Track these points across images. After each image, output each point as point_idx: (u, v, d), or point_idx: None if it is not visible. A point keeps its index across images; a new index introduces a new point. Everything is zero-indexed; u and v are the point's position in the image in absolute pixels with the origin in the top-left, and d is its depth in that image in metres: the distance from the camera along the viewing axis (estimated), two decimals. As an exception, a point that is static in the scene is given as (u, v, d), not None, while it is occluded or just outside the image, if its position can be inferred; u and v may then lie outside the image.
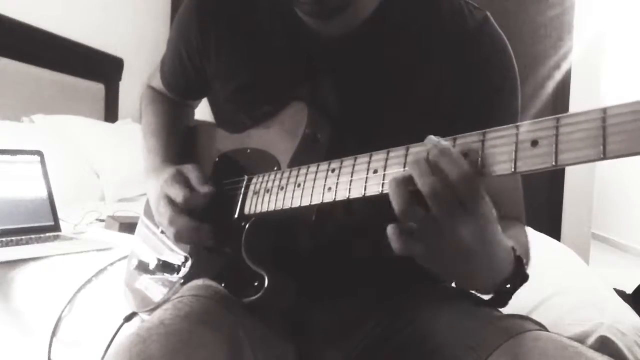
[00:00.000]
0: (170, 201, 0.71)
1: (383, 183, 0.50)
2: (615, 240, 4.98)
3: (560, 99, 2.81)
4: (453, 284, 0.71)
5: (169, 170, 0.75)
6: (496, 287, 0.56)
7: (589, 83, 2.83)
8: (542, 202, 2.91)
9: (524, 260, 0.56)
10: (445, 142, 0.46)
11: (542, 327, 0.57)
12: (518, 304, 0.93)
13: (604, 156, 0.36)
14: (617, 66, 4.40)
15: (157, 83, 0.93)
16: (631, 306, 1.02)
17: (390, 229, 0.47)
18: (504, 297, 0.57)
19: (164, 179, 0.74)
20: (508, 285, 0.56)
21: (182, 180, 0.72)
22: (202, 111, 0.99)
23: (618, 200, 4.88)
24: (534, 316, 0.62)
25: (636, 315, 0.96)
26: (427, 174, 0.45)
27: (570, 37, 2.82)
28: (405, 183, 0.46)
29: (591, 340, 0.84)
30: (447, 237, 0.46)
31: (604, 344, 0.83)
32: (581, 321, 0.89)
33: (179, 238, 0.71)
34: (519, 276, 0.56)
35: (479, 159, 0.44)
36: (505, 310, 0.63)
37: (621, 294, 1.78)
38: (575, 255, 1.46)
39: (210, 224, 0.70)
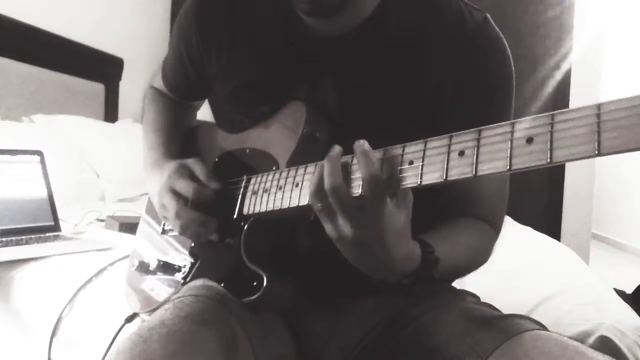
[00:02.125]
0: (176, 195, 0.72)
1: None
2: (615, 240, 4.98)
3: (560, 99, 2.80)
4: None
5: (172, 164, 0.76)
6: (396, 280, 0.58)
7: (589, 83, 2.82)
8: (542, 202, 2.90)
9: (432, 260, 0.58)
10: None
11: (542, 327, 0.57)
12: (518, 304, 0.93)
13: (599, 152, 0.36)
14: (617, 66, 4.39)
15: (159, 83, 0.93)
16: (631, 306, 1.02)
17: None
18: (403, 288, 0.59)
19: (169, 173, 0.74)
20: (406, 280, 0.58)
21: (187, 174, 0.73)
22: (203, 111, 0.99)
23: (618, 200, 4.88)
24: (534, 316, 0.62)
25: (636, 315, 0.96)
26: (334, 171, 0.51)
27: (570, 37, 2.82)
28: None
29: (591, 340, 0.84)
30: (340, 227, 0.52)
31: (604, 344, 0.83)
32: (581, 321, 0.89)
33: (184, 231, 0.72)
34: (422, 275, 0.58)
35: (445, 168, 0.46)
36: (506, 310, 0.63)
37: (621, 294, 1.78)
38: (575, 255, 1.46)
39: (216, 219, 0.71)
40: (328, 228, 0.53)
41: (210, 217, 0.71)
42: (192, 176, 0.73)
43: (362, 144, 0.50)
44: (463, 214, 0.70)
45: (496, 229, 0.72)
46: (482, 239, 0.70)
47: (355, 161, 0.52)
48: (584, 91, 2.80)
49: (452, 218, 0.70)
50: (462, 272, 0.69)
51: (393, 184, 0.49)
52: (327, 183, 0.51)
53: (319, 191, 0.52)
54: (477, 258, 0.69)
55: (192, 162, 0.75)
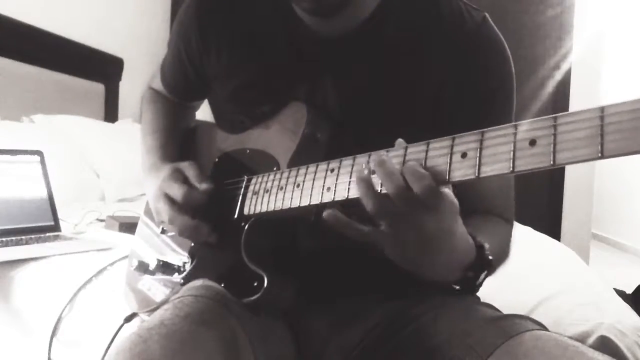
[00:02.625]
0: (170, 200, 0.72)
1: (382, 183, 0.50)
2: (615, 240, 4.98)
3: (560, 99, 2.80)
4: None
5: (167, 168, 0.76)
6: (459, 276, 0.58)
7: (589, 83, 2.82)
8: (542, 202, 2.90)
9: (486, 248, 0.58)
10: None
11: (542, 327, 0.57)
12: (518, 304, 0.93)
13: (602, 155, 0.36)
14: (617, 66, 4.39)
15: (158, 84, 0.93)
16: (631, 306, 1.02)
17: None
18: (469, 284, 0.59)
19: (163, 178, 0.74)
20: (470, 273, 0.58)
21: (180, 178, 0.73)
22: (203, 112, 0.99)
23: (618, 200, 4.87)
24: (534, 316, 0.62)
25: (636, 315, 0.96)
26: (391, 175, 0.48)
27: (570, 37, 2.82)
28: (373, 184, 0.49)
29: (591, 340, 0.84)
30: (410, 228, 0.50)
31: (604, 344, 0.83)
32: (581, 321, 0.89)
33: (182, 234, 0.73)
34: (482, 264, 0.58)
35: (447, 170, 0.46)
36: (506, 310, 0.63)
37: (621, 294, 1.78)
38: (575, 255, 1.46)
39: (210, 223, 0.71)
40: (409, 230, 0.50)
41: (202, 223, 0.70)
42: (185, 180, 0.73)
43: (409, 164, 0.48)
44: (474, 212, 0.70)
45: (510, 222, 0.73)
46: (502, 232, 0.71)
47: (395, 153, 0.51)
48: (584, 91, 2.80)
49: (471, 216, 0.69)
50: (497, 265, 0.67)
51: (441, 179, 0.48)
52: (388, 187, 0.48)
53: (379, 198, 0.49)
54: (505, 250, 0.70)
55: (185, 166, 0.75)
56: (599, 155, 0.36)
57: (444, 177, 0.46)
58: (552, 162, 0.39)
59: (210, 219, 0.71)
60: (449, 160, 0.46)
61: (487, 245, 0.58)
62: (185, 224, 0.71)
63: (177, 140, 0.90)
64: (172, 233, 0.79)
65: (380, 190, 0.49)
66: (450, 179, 0.46)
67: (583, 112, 0.38)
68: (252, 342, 0.58)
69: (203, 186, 0.71)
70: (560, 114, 0.40)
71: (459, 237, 0.54)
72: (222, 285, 0.66)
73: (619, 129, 0.36)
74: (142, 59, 2.86)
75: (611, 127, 0.36)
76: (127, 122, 2.59)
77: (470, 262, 0.57)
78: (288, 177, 0.62)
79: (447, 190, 0.50)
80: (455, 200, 0.52)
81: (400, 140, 0.51)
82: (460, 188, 0.66)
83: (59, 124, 2.13)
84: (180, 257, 0.77)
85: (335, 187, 0.55)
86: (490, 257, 0.58)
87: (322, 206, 0.57)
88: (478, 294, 0.72)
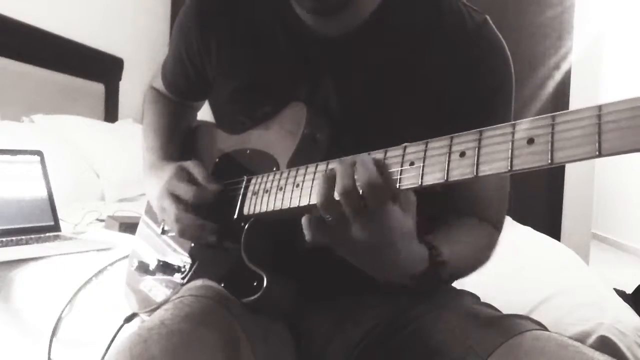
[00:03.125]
0: (176, 199, 0.72)
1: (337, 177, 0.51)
2: (615, 240, 4.99)
3: (560, 99, 2.80)
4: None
5: (171, 167, 0.76)
6: (403, 281, 0.59)
7: (589, 83, 2.83)
8: (542, 202, 2.90)
9: (445, 262, 0.59)
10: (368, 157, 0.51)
11: (542, 327, 0.57)
12: (518, 304, 0.93)
13: (600, 154, 0.36)
14: (617, 66, 4.40)
15: (159, 84, 0.93)
16: (631, 306, 1.02)
17: (305, 219, 0.53)
18: (406, 289, 0.60)
19: (168, 177, 0.74)
20: (409, 282, 0.58)
21: (186, 177, 0.73)
22: (203, 112, 0.99)
23: (618, 200, 4.88)
24: (534, 316, 0.62)
25: (636, 315, 0.96)
26: (346, 175, 0.49)
27: (570, 37, 2.82)
28: (332, 180, 0.50)
29: (591, 340, 0.84)
30: (352, 234, 0.51)
31: (604, 344, 0.83)
32: (581, 321, 0.89)
33: (183, 234, 0.72)
34: (431, 277, 0.58)
35: (446, 169, 0.47)
36: (506, 310, 0.63)
37: (621, 294, 1.78)
38: (575, 255, 1.46)
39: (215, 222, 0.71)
40: (338, 235, 0.52)
41: (208, 222, 0.70)
42: (191, 179, 0.73)
43: (361, 156, 0.51)
44: (465, 215, 0.70)
45: (498, 228, 0.73)
46: (484, 239, 0.70)
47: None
48: (584, 91, 2.80)
49: (455, 219, 0.70)
50: (466, 273, 0.69)
51: (391, 187, 0.49)
52: (339, 187, 0.49)
53: (329, 200, 0.51)
54: (480, 258, 0.70)
55: (191, 165, 0.75)
56: (597, 153, 0.36)
57: (393, 183, 0.48)
58: (549, 161, 0.39)
59: (210, 218, 0.71)
60: (447, 159, 0.46)
61: (442, 260, 0.58)
62: (192, 223, 0.71)
63: (178, 140, 0.90)
64: (173, 233, 0.79)
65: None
66: (448, 178, 0.46)
67: (581, 111, 0.38)
68: (252, 342, 0.58)
69: (213, 187, 0.71)
70: (558, 112, 0.40)
71: (404, 252, 0.54)
72: (222, 285, 0.66)
73: (617, 127, 0.36)
74: (142, 59, 2.87)
75: (609, 126, 0.36)
76: (127, 122, 2.59)
77: (419, 271, 0.57)
78: (287, 177, 0.62)
79: (400, 212, 0.51)
80: (410, 223, 0.53)
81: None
82: (456, 190, 0.66)
83: (59, 124, 2.13)
84: (180, 258, 0.78)
85: (335, 187, 0.55)
86: (443, 276, 0.59)
87: None
88: (478, 294, 0.72)
